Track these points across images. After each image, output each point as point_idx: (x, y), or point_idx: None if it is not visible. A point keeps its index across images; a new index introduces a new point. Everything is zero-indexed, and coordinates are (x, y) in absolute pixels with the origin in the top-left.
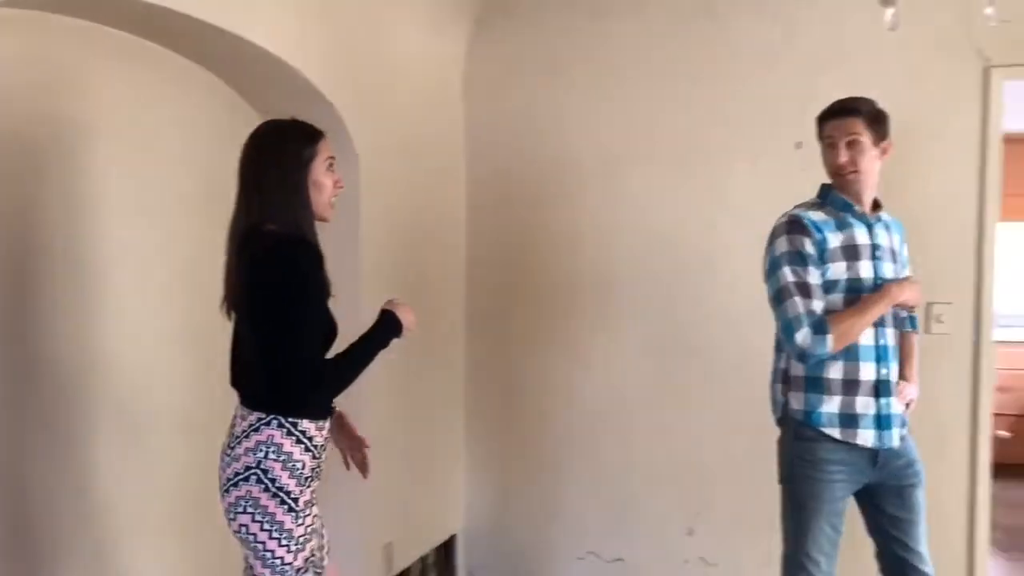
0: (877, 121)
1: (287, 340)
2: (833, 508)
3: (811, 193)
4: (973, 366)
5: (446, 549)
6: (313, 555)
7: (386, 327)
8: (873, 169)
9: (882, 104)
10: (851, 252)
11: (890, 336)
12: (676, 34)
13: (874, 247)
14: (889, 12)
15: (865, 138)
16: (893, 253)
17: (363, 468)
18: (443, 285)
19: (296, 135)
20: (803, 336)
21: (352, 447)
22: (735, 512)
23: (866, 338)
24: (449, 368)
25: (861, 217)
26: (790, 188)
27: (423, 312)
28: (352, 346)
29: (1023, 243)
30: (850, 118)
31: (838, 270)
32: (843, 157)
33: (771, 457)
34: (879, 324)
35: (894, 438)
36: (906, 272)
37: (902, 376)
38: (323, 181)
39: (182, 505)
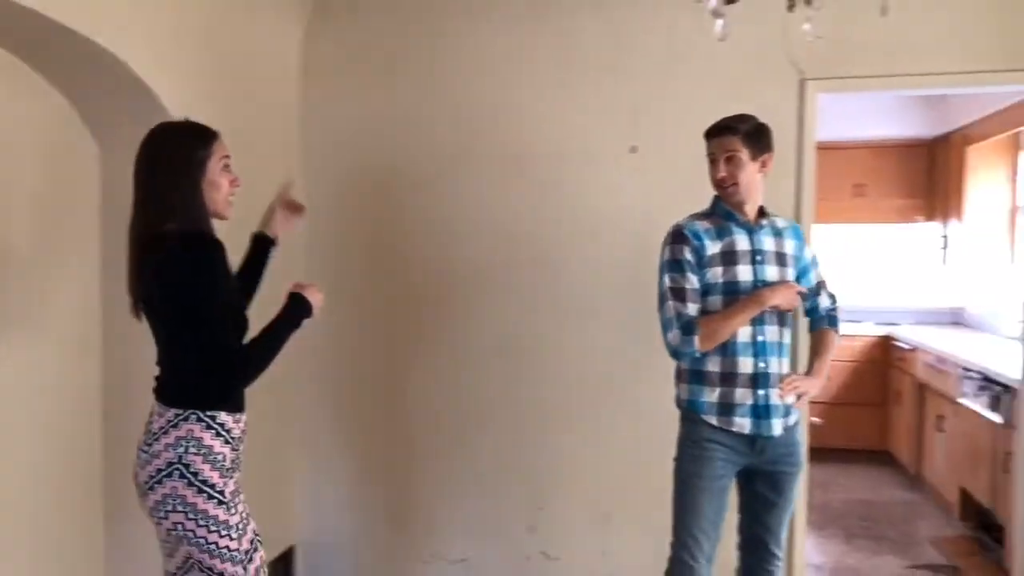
0: (755, 137)
1: (209, 333)
2: (713, 485)
3: (644, 196)
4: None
5: (284, 562)
6: (257, 534)
7: (297, 308)
8: (753, 181)
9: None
10: (729, 258)
11: (770, 332)
12: (514, 37)
13: (755, 252)
14: (719, 24)
15: (743, 154)
16: (780, 256)
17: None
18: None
19: (189, 136)
20: (673, 336)
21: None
22: (574, 507)
23: (743, 335)
24: (282, 371)
25: (744, 225)
26: (624, 190)
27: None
28: (266, 329)
29: (834, 244)
30: (728, 136)
31: (715, 274)
32: (722, 172)
33: (609, 453)
34: (758, 322)
35: (774, 427)
36: (812, 274)
37: (809, 370)
38: (219, 181)
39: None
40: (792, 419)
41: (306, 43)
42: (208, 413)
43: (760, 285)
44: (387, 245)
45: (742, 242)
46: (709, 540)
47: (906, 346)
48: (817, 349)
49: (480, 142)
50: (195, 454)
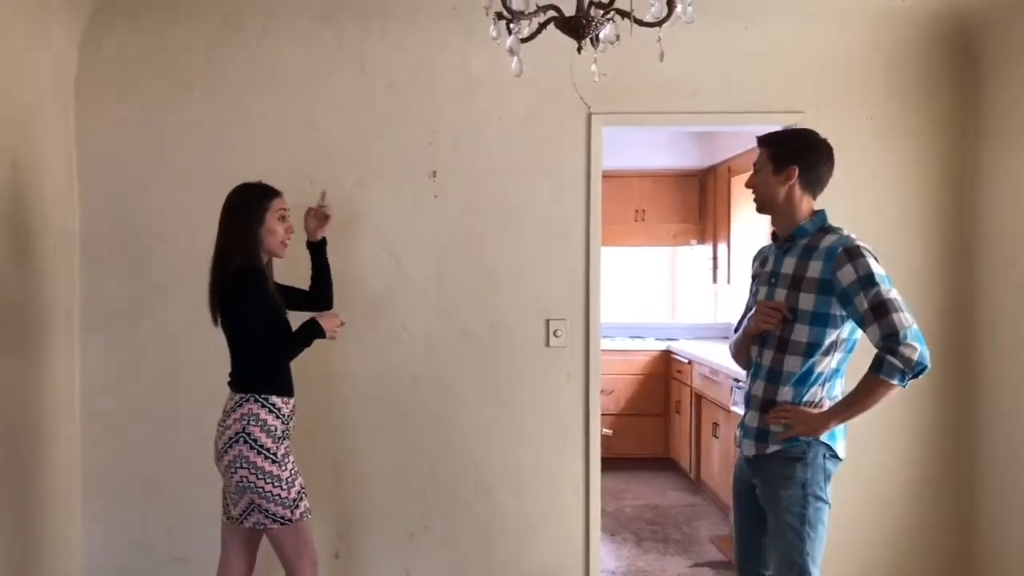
0: (780, 150)
1: (248, 337)
2: (734, 498)
3: (445, 218)
4: (585, 374)
5: None
6: (304, 488)
7: (309, 329)
8: (775, 194)
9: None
10: (759, 279)
11: (765, 356)
12: (312, 56)
13: (772, 274)
14: (514, 60)
15: (767, 166)
16: (796, 280)
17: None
18: (53, 316)
19: (256, 194)
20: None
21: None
22: (378, 529)
23: (754, 356)
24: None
25: (776, 243)
26: (425, 213)
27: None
28: (286, 341)
29: (615, 265)
30: (758, 148)
31: (757, 294)
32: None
33: (415, 472)
34: (760, 345)
35: (745, 447)
36: (856, 301)
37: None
38: (275, 228)
39: None
40: (772, 448)
41: (82, 53)
42: (263, 396)
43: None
44: (171, 270)
45: (769, 263)
46: (737, 549)
47: (684, 359)
48: (851, 391)
49: (274, 163)
50: (254, 426)
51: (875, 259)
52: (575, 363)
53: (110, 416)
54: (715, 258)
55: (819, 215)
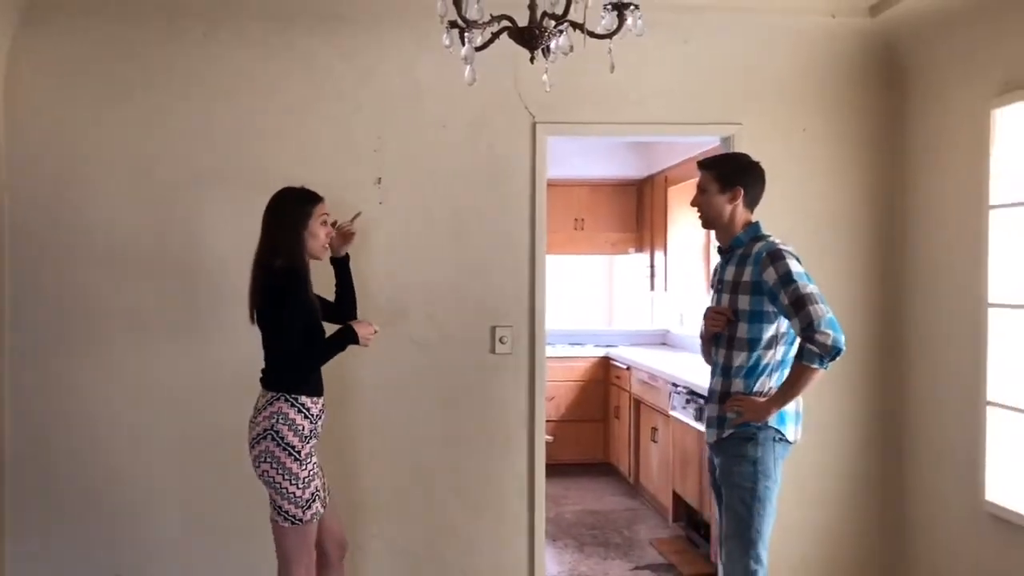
0: (725, 172)
1: (286, 339)
2: (712, 486)
3: (394, 224)
4: (530, 380)
5: None
6: (318, 490)
7: (343, 335)
8: (720, 212)
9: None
10: (715, 287)
11: (720, 355)
12: (257, 65)
13: (719, 282)
14: (467, 69)
15: (712, 186)
16: (735, 285)
17: (346, 231)
18: None
19: (299, 198)
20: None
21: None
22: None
23: (713, 356)
24: None
25: (720, 256)
26: (370, 219)
27: None
28: (320, 346)
29: (555, 273)
30: (701, 171)
31: (712, 301)
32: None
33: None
34: (716, 345)
35: (708, 436)
36: (781, 297)
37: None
38: (317, 232)
39: None
40: (727, 432)
41: (11, 58)
42: (293, 395)
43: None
44: (105, 274)
45: (718, 272)
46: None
47: (623, 365)
48: (784, 379)
49: (219, 168)
50: (282, 424)
51: (796, 260)
52: (520, 370)
53: (38, 427)
54: (652, 266)
55: (753, 226)
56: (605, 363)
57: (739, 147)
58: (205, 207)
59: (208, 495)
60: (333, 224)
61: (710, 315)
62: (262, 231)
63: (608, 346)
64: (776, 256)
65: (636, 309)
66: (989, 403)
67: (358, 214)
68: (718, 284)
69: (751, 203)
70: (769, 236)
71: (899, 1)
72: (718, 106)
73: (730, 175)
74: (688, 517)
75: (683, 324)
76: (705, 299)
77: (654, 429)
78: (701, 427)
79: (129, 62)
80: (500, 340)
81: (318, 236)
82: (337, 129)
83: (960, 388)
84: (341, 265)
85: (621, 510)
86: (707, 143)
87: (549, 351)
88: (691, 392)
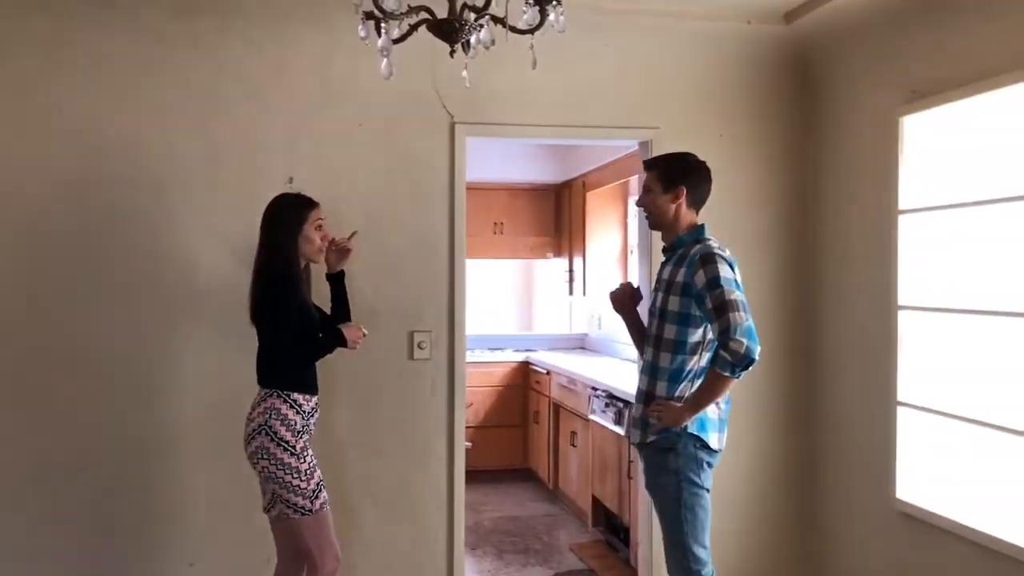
0: (668, 172)
1: (278, 338)
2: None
3: None
4: (449, 387)
5: None
6: (322, 481)
7: (333, 339)
8: (665, 211)
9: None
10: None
11: (647, 354)
12: (161, 59)
13: (659, 280)
14: (384, 62)
15: (656, 186)
16: (671, 285)
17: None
18: None
19: (295, 205)
20: None
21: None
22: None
23: (642, 354)
24: None
25: (665, 252)
26: None
27: None
28: (311, 344)
29: (474, 277)
30: (647, 170)
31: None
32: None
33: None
34: (646, 343)
35: (632, 436)
36: (707, 301)
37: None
38: (312, 237)
39: None
40: (650, 438)
41: None
42: (285, 392)
43: (653, 311)
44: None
45: (660, 271)
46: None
47: (542, 370)
48: (698, 385)
49: (125, 166)
50: (276, 420)
51: (729, 265)
52: (439, 376)
53: None
54: (571, 270)
55: (698, 228)
56: (524, 368)
57: (657, 151)
58: (114, 210)
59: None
60: (331, 241)
61: (617, 289)
62: (260, 236)
63: (527, 350)
64: (708, 259)
65: (555, 314)
66: (900, 403)
67: (355, 232)
68: (657, 283)
69: (695, 203)
70: (710, 240)
71: (812, 9)
72: (637, 110)
73: (673, 175)
74: (607, 521)
75: (601, 328)
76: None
77: (573, 433)
78: (620, 430)
79: (19, 51)
80: (418, 346)
81: (313, 240)
82: (246, 126)
83: (872, 389)
84: (337, 281)
85: (540, 516)
86: (626, 147)
87: (468, 356)
88: (611, 396)
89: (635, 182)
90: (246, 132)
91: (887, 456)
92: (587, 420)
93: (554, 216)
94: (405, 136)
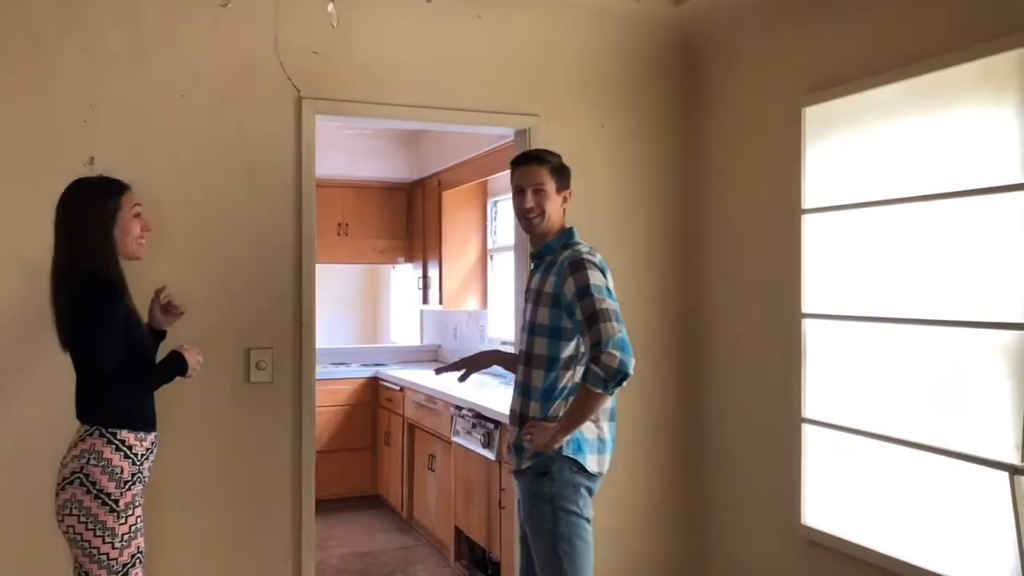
0: (561, 172)
1: (97, 359)
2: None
3: None
4: (295, 415)
5: None
6: (140, 552)
7: (172, 364)
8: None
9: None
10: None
11: (519, 373)
12: None
13: (528, 290)
14: None
15: (549, 186)
16: (539, 295)
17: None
18: None
19: (103, 191)
20: None
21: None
22: None
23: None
24: None
25: (533, 259)
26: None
27: None
28: (144, 370)
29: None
30: (535, 166)
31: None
32: (529, 202)
33: None
34: (518, 361)
35: (512, 462)
36: (576, 312)
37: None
38: (129, 226)
39: None
40: (525, 463)
41: None
42: (110, 430)
43: (523, 325)
44: None
45: (529, 278)
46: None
47: (395, 387)
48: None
49: None
50: (95, 466)
51: (600, 271)
52: (283, 401)
53: None
54: (425, 276)
55: (567, 232)
56: (374, 384)
57: (535, 142)
58: None
59: None
60: (159, 291)
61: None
62: (57, 234)
63: (377, 365)
64: (577, 267)
65: (406, 324)
66: (805, 420)
67: (162, 288)
68: (526, 292)
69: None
70: (579, 244)
71: None
72: (513, 94)
73: (564, 173)
74: (471, 554)
75: (457, 339)
76: (490, 312)
77: (432, 457)
78: (489, 454)
79: None
80: (257, 366)
81: (131, 231)
82: (31, 92)
83: (775, 405)
84: (155, 337)
85: (394, 549)
86: (496, 138)
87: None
88: (478, 416)
89: (499, 181)
90: (29, 100)
91: (791, 479)
92: (449, 442)
93: (406, 217)
94: (240, 112)
